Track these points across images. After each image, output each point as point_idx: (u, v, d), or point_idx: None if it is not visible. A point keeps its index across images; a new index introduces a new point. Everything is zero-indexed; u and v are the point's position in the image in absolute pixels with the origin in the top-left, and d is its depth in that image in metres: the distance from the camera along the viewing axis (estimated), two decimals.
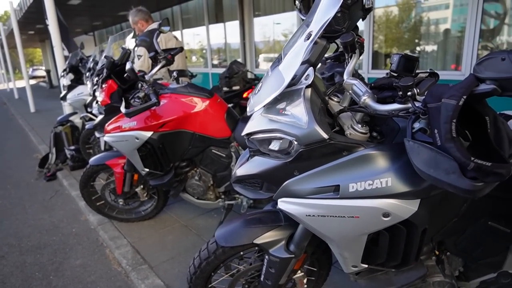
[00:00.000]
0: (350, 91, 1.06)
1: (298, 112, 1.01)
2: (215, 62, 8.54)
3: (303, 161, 1.06)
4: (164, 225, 2.84)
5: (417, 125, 0.88)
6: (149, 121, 2.14)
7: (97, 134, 2.77)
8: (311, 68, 1.00)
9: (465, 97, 0.71)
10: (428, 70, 1.02)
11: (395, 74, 0.98)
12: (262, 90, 1.11)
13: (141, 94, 2.02)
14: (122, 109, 1.91)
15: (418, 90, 0.89)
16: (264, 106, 1.08)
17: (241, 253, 1.44)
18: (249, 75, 3.32)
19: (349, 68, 1.10)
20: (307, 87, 1.01)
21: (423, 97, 0.87)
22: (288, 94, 1.04)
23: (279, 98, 1.06)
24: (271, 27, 7.13)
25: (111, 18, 12.27)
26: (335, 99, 1.15)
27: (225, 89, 3.14)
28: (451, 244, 1.23)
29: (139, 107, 1.89)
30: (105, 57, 2.55)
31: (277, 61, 1.14)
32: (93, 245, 2.69)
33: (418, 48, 4.70)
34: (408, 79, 0.90)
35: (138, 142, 2.17)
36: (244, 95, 3.30)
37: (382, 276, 1.22)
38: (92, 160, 2.68)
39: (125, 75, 1.88)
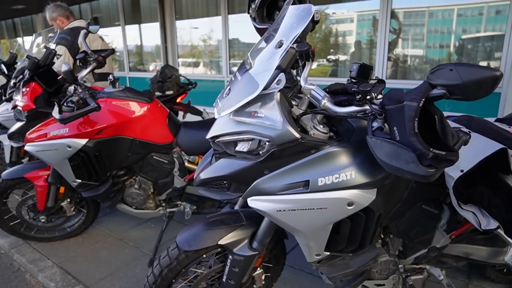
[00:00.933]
0: (309, 95, 1.18)
1: (272, 114, 1.08)
2: (130, 65, 8.20)
3: (273, 160, 1.13)
4: (95, 241, 2.65)
5: (375, 124, 1.03)
6: (83, 128, 2.00)
7: (12, 144, 2.47)
8: (282, 74, 1.09)
9: (423, 99, 0.86)
10: (375, 77, 1.18)
11: (354, 80, 1.12)
12: (232, 94, 1.16)
13: (75, 99, 1.88)
14: (55, 114, 1.76)
15: (374, 94, 1.04)
16: (234, 109, 1.13)
17: (204, 255, 1.45)
18: (182, 80, 3.29)
19: (304, 74, 1.22)
20: (278, 91, 1.10)
21: (379, 100, 1.02)
22: (260, 98, 1.10)
23: (249, 102, 1.12)
24: (188, 31, 7.12)
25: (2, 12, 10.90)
26: (293, 103, 1.25)
27: (157, 93, 3.07)
28: (393, 227, 1.42)
29: (77, 113, 1.76)
30: (27, 56, 2.30)
31: (243, 66, 1.20)
32: (7, 271, 2.38)
33: (333, 57, 5.17)
34: (366, 84, 1.04)
35: (71, 150, 2.01)
36: (178, 100, 3.26)
37: (340, 261, 1.35)
38: (5, 174, 2.38)
39: (59, 77, 1.74)
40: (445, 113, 1.62)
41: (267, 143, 1.12)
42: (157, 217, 2.48)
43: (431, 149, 0.86)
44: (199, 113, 3.61)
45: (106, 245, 2.58)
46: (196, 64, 7.21)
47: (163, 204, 2.43)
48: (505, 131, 1.49)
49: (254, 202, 1.18)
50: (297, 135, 1.08)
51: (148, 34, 7.77)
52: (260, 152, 1.15)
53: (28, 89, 2.23)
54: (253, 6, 1.45)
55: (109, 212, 3.06)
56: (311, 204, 1.12)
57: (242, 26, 6.22)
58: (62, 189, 2.40)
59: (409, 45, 4.59)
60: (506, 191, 1.29)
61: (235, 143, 1.21)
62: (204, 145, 2.21)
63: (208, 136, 1.26)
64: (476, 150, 1.21)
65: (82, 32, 2.34)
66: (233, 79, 1.22)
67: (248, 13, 1.51)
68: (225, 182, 1.24)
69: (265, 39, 1.22)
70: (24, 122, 2.26)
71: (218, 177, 1.24)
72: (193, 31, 7.02)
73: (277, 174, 1.14)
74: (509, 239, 1.37)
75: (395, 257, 1.47)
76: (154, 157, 2.25)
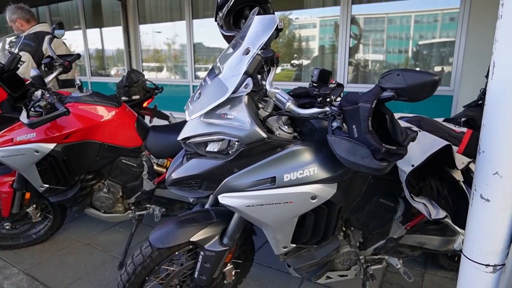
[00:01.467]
0: (274, 99, 1.27)
1: (240, 116, 1.16)
2: (92, 69, 8.01)
3: (242, 158, 1.21)
4: (62, 247, 2.61)
5: (335, 124, 1.13)
6: (51, 132, 1.99)
7: None
8: (249, 78, 1.17)
9: (375, 101, 0.97)
10: (335, 82, 1.29)
11: (315, 84, 1.22)
12: (203, 97, 1.22)
13: (42, 103, 1.87)
14: (24, 119, 1.74)
15: (333, 97, 1.14)
16: (205, 111, 1.20)
17: (176, 253, 1.50)
18: (148, 84, 3.30)
19: (269, 79, 1.31)
20: (246, 94, 1.18)
21: (338, 102, 1.13)
22: (229, 101, 1.18)
23: (219, 105, 1.19)
24: (152, 35, 7.07)
25: None
26: (260, 106, 1.34)
27: (124, 98, 3.05)
28: (354, 220, 1.53)
29: (46, 117, 1.75)
30: None
31: (213, 72, 1.27)
32: None
33: (296, 62, 5.34)
34: (326, 88, 1.15)
35: (38, 155, 1.99)
36: (144, 105, 3.26)
37: (305, 253, 1.44)
38: None
39: (28, 81, 1.72)
40: (399, 114, 1.78)
41: (236, 143, 1.19)
42: (125, 221, 2.47)
43: (384, 144, 0.97)
44: (165, 117, 3.62)
45: (73, 251, 2.55)
46: (160, 69, 7.17)
47: (132, 208, 2.44)
48: (451, 130, 1.65)
49: (225, 199, 1.25)
50: (264, 135, 1.16)
51: (110, 38, 7.64)
52: (230, 152, 1.22)
53: None
54: (220, 14, 1.52)
55: (76, 218, 3.02)
56: (277, 198, 1.21)
57: (207, 30, 6.27)
58: (27, 195, 2.35)
59: (370, 51, 4.83)
60: (452, 184, 1.44)
61: (205, 143, 1.28)
62: (173, 148, 2.25)
63: (180, 137, 1.31)
64: (424, 147, 1.35)
65: (47, 37, 2.31)
66: (203, 83, 1.29)
67: (216, 21, 1.58)
68: (196, 181, 1.30)
69: (232, 46, 1.30)
70: None
71: (189, 176, 1.30)
72: (157, 36, 6.99)
73: (246, 171, 1.22)
74: (456, 227, 1.53)
75: (356, 248, 1.59)
76: (123, 160, 2.26)
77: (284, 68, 5.54)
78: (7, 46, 2.38)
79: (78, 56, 2.43)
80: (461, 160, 1.43)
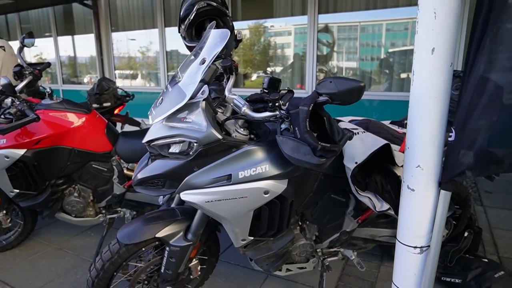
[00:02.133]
0: (232, 104, 1.40)
1: (198, 119, 1.28)
2: (63, 77, 7.95)
3: (201, 158, 1.33)
4: (33, 252, 2.63)
5: (283, 126, 1.27)
6: (21, 138, 2.04)
7: None
8: (206, 86, 1.29)
9: (312, 105, 1.11)
10: (286, 88, 1.43)
11: (266, 91, 1.35)
12: (164, 103, 1.34)
13: (12, 110, 1.93)
14: None
15: (282, 102, 1.28)
16: (166, 116, 1.31)
17: (143, 248, 1.59)
18: (119, 92, 3.36)
19: (228, 86, 1.44)
20: (203, 100, 1.30)
21: (286, 106, 1.27)
22: (188, 106, 1.30)
23: (179, 109, 1.31)
24: (125, 43, 7.11)
25: None
26: (219, 111, 1.47)
27: (95, 105, 3.11)
28: (309, 215, 1.67)
29: (17, 123, 1.81)
30: None
31: (174, 79, 1.39)
32: None
33: (269, 69, 5.52)
34: (275, 94, 1.28)
35: (8, 161, 2.04)
36: (116, 112, 3.32)
37: (263, 245, 1.57)
38: None
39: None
40: (350, 117, 1.94)
41: (195, 144, 1.31)
42: (97, 225, 2.53)
43: (319, 142, 1.11)
44: (137, 124, 3.68)
45: (44, 255, 2.58)
46: (134, 76, 7.20)
47: (103, 211, 2.50)
48: (395, 131, 1.83)
49: (186, 196, 1.36)
50: (220, 136, 1.29)
51: (82, 46, 7.62)
52: (190, 152, 1.34)
53: None
54: (182, 26, 1.65)
55: (47, 224, 3.03)
56: (233, 194, 1.33)
57: (179, 38, 6.37)
58: None
59: (344, 58, 5.06)
60: (395, 179, 1.60)
61: (168, 145, 1.39)
62: (142, 152, 2.33)
63: (144, 140, 1.42)
64: (367, 146, 1.50)
65: (18, 47, 2.37)
66: (165, 90, 1.40)
67: (179, 32, 1.71)
68: (160, 180, 1.41)
69: (193, 55, 1.42)
70: None
71: (154, 176, 1.40)
72: (130, 43, 7.03)
73: (205, 170, 1.34)
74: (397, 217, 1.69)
75: (311, 241, 1.72)
76: (93, 165, 2.33)
77: (260, 75, 5.72)
78: None
79: (48, 64, 2.49)
80: (401, 158, 1.59)
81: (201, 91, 1.29)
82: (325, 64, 5.11)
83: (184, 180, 1.36)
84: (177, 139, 1.33)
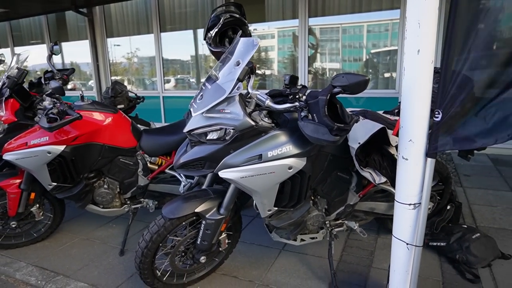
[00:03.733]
0: (255, 98, 1.71)
1: (236, 110, 1.59)
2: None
3: (236, 142, 1.64)
4: (62, 243, 2.87)
5: (303, 114, 1.59)
6: (61, 136, 2.30)
7: None
8: (240, 83, 1.60)
9: (329, 95, 1.44)
10: (301, 84, 1.76)
11: (287, 86, 1.67)
12: (205, 98, 1.64)
13: (55, 111, 2.19)
14: (44, 124, 2.06)
15: (301, 94, 1.61)
16: (209, 108, 1.62)
17: (183, 222, 1.88)
18: (130, 95, 3.63)
19: (250, 84, 1.76)
20: (239, 94, 1.61)
21: (304, 98, 1.59)
22: (226, 100, 1.61)
23: (219, 102, 1.62)
24: (120, 49, 7.32)
25: None
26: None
27: (115, 107, 3.36)
28: (319, 190, 1.99)
29: (64, 121, 2.08)
30: (7, 77, 2.51)
31: (210, 78, 1.70)
32: None
33: (259, 72, 5.86)
34: (295, 88, 1.61)
35: (50, 156, 2.30)
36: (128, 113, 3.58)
37: (285, 215, 1.89)
38: None
39: (47, 92, 2.03)
40: (350, 109, 2.28)
41: (231, 130, 1.62)
42: (118, 217, 2.78)
43: (335, 123, 1.43)
44: (147, 124, 3.93)
45: (74, 245, 2.82)
46: (129, 82, 7.43)
47: (128, 202, 2.77)
48: (388, 118, 2.17)
49: (225, 173, 1.67)
50: (253, 123, 1.60)
51: (72, 53, 7.81)
52: (227, 138, 1.65)
53: (7, 105, 2.45)
54: (209, 35, 1.96)
55: (69, 219, 3.27)
56: (264, 170, 1.64)
57: (174, 43, 6.62)
58: (32, 195, 2.62)
59: (327, 59, 5.42)
60: (390, 158, 1.94)
61: (205, 134, 1.69)
62: (163, 147, 2.64)
63: (185, 130, 1.72)
64: (367, 129, 1.84)
65: (47, 54, 2.63)
66: (203, 87, 1.71)
67: (205, 39, 2.01)
68: (200, 162, 1.71)
69: (223, 59, 1.73)
70: (2, 134, 2.47)
71: (195, 159, 1.70)
72: (125, 49, 7.26)
73: (240, 152, 1.65)
74: (392, 189, 2.03)
75: (322, 212, 2.05)
76: (121, 159, 2.60)
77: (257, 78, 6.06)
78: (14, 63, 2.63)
79: (73, 70, 2.75)
80: (394, 140, 1.94)
81: (236, 87, 1.60)
82: (312, 65, 5.47)
83: (222, 161, 1.66)
84: (217, 127, 1.64)
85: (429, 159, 1.48)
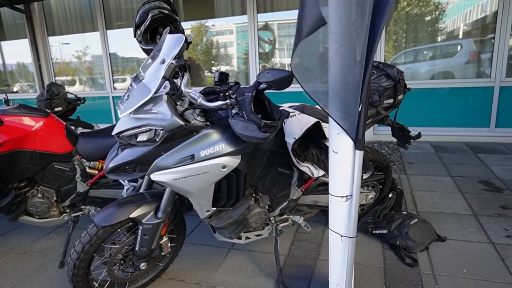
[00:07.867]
0: (188, 97, 1.66)
1: (163, 110, 1.53)
2: None
3: (167, 143, 1.58)
4: None
5: (233, 111, 1.56)
6: None
7: None
8: (167, 82, 1.54)
9: (255, 91, 1.41)
10: (233, 81, 1.72)
11: (217, 83, 1.63)
12: (131, 98, 1.57)
13: None
14: None
15: (231, 91, 1.57)
16: (134, 109, 1.54)
17: (119, 230, 1.80)
18: (70, 96, 3.43)
19: (184, 81, 1.70)
20: (165, 93, 1.55)
21: (235, 95, 1.56)
22: (152, 99, 1.54)
23: (145, 103, 1.55)
24: (65, 48, 6.96)
25: None
26: (178, 103, 1.72)
27: (46, 111, 3.16)
28: (260, 186, 1.98)
29: None
30: None
31: (137, 78, 1.62)
32: None
33: (214, 68, 5.79)
34: (224, 86, 1.57)
35: None
36: (68, 116, 3.38)
37: (224, 215, 1.85)
38: None
39: None
40: (289, 104, 2.28)
41: (161, 131, 1.56)
42: (59, 227, 2.63)
43: (262, 120, 1.41)
44: (90, 127, 3.76)
45: (9, 260, 2.63)
46: (76, 82, 7.08)
47: (67, 210, 2.61)
48: (326, 112, 2.19)
49: (156, 176, 1.60)
50: (182, 122, 1.55)
51: (12, 52, 7.32)
52: (157, 139, 1.58)
53: None
54: (138, 32, 1.87)
55: (3, 233, 3.05)
56: (197, 170, 1.60)
57: (122, 41, 6.38)
58: None
59: (286, 55, 5.45)
60: (327, 150, 1.96)
61: (135, 135, 1.62)
62: (103, 150, 2.51)
63: (114, 132, 1.63)
64: (302, 124, 1.84)
65: None
66: (130, 87, 1.63)
67: (135, 37, 1.92)
68: (131, 165, 1.63)
69: (151, 57, 1.66)
70: None
71: (125, 163, 1.62)
72: (70, 48, 6.90)
73: (171, 153, 1.59)
74: None
75: (265, 209, 2.04)
76: (55, 166, 2.45)
77: (209, 76, 5.99)
78: None
79: None
80: None
81: (163, 86, 1.54)
82: (268, 61, 5.48)
83: (153, 163, 1.60)
84: (146, 128, 1.57)
85: (357, 152, 1.50)
